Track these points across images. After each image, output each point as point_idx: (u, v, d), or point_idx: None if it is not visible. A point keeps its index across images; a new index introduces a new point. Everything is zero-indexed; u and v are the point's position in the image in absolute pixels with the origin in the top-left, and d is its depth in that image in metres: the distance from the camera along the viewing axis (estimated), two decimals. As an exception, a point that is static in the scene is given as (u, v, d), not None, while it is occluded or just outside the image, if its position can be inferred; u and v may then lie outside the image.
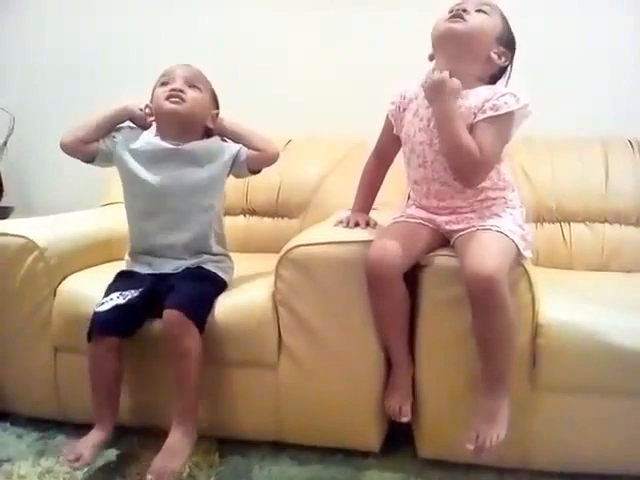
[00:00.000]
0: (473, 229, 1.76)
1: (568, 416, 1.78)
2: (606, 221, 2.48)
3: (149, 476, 1.71)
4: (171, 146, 2.02)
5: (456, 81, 1.74)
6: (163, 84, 2.03)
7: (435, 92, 1.76)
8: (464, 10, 1.80)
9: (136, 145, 2.04)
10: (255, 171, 2.11)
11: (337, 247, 1.85)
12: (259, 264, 2.15)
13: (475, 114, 1.76)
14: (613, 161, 2.52)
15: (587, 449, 1.79)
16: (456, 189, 1.85)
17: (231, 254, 2.17)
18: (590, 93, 2.77)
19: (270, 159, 2.08)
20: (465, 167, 1.76)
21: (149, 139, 2.05)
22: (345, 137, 2.79)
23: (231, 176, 2.12)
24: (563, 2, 2.78)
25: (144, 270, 2.03)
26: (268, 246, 2.51)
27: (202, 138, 2.09)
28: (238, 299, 1.97)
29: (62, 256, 2.10)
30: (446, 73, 1.74)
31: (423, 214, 1.91)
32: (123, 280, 2.00)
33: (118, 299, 1.89)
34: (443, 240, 1.87)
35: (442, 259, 1.78)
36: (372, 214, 2.05)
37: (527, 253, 1.79)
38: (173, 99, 1.98)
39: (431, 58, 1.88)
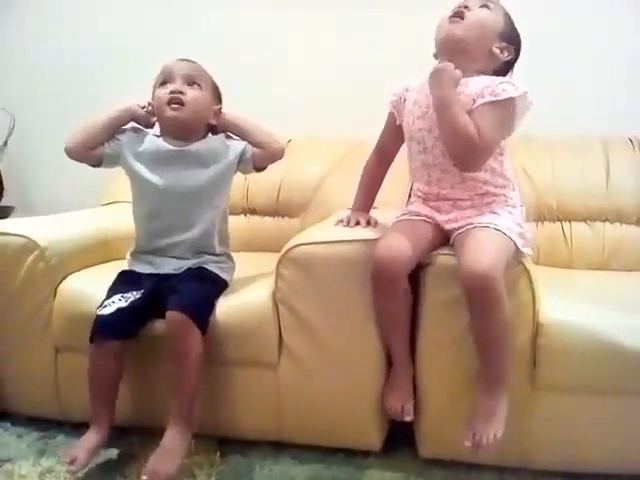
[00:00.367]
0: (471, 227, 1.76)
1: (568, 415, 1.78)
2: (607, 220, 2.48)
3: (144, 476, 1.71)
4: (175, 148, 2.02)
5: (458, 71, 1.76)
6: (163, 83, 2.02)
7: (436, 79, 1.78)
8: (466, 7, 1.82)
9: (141, 147, 2.03)
10: (260, 168, 2.09)
11: (338, 246, 1.85)
12: (260, 263, 2.15)
13: (474, 100, 1.77)
14: (614, 160, 2.53)
15: (587, 448, 1.79)
16: (456, 178, 1.86)
17: (232, 253, 2.17)
18: (590, 93, 2.77)
19: (275, 156, 2.06)
20: (464, 151, 1.76)
21: (153, 141, 2.05)
22: (345, 137, 2.79)
23: (231, 175, 2.12)
24: (563, 2, 2.78)
25: (145, 270, 2.03)
26: (269, 245, 2.51)
27: (206, 135, 2.09)
28: (239, 299, 1.97)
29: (63, 256, 2.10)
30: (450, 63, 1.77)
31: (426, 211, 1.91)
32: (124, 281, 1.99)
33: (120, 302, 1.89)
34: (445, 238, 1.87)
35: (443, 258, 1.79)
36: (372, 213, 2.05)
37: (527, 250, 1.80)
38: (173, 105, 1.98)
39: (436, 57, 1.89)
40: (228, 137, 2.10)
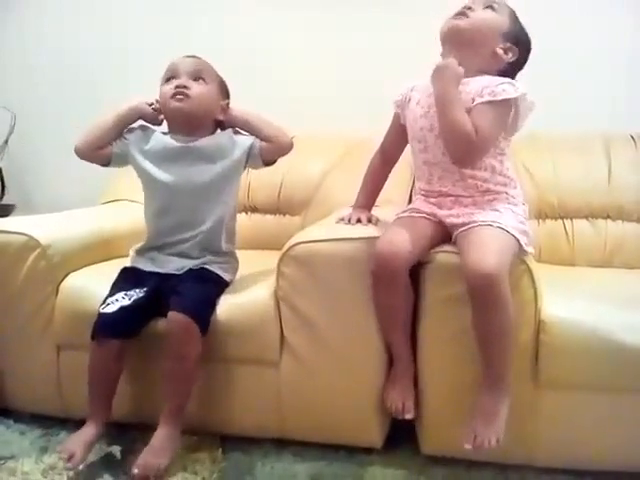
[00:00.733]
0: (474, 224, 1.76)
1: (571, 413, 1.78)
2: (608, 217, 2.48)
3: (135, 470, 1.73)
4: (182, 144, 2.02)
5: (460, 68, 1.78)
6: (168, 80, 2.03)
7: (439, 75, 1.79)
8: (469, 8, 1.84)
9: (148, 145, 2.04)
10: (269, 162, 2.09)
11: (339, 244, 1.85)
12: (261, 261, 2.16)
13: (473, 99, 1.78)
14: (615, 157, 2.53)
15: (590, 446, 1.79)
16: (456, 176, 1.87)
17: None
18: (590, 93, 2.78)
19: (283, 149, 2.05)
20: (460, 148, 1.78)
21: (160, 138, 2.05)
22: (347, 135, 2.79)
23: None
24: (563, 2, 2.79)
25: (147, 267, 2.03)
26: (270, 243, 2.51)
27: (214, 131, 2.09)
28: (240, 297, 1.97)
29: (64, 254, 2.10)
30: (453, 60, 1.79)
31: (427, 207, 1.92)
32: (128, 279, 2.00)
33: (124, 300, 1.89)
34: (446, 235, 1.87)
35: (444, 256, 1.79)
36: (374, 211, 2.06)
37: (529, 249, 1.80)
38: (178, 97, 1.98)
39: (444, 56, 1.90)
40: (236, 132, 2.09)
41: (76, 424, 1.99)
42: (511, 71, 1.90)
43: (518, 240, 1.74)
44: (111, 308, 1.87)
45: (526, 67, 1.94)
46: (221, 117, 2.08)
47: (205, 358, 1.88)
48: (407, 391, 1.87)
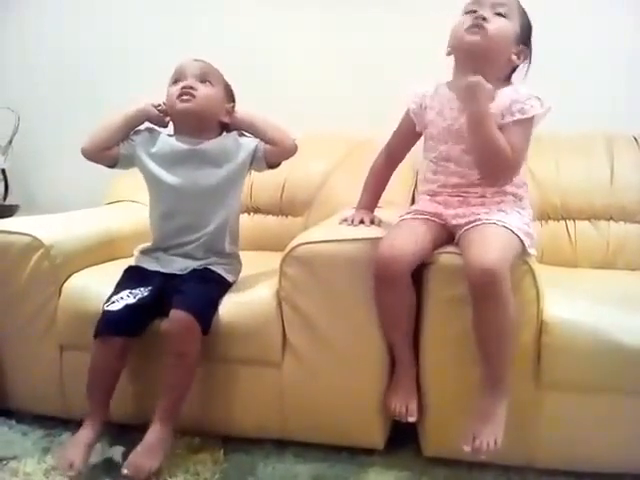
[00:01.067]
0: (479, 222, 1.76)
1: (573, 414, 1.79)
2: (611, 218, 2.48)
3: (125, 470, 1.72)
4: (189, 147, 2.03)
5: (489, 85, 1.76)
6: (175, 82, 2.03)
7: (470, 94, 1.77)
8: (483, 18, 1.80)
9: (155, 148, 2.05)
10: (273, 165, 2.09)
11: (341, 245, 1.86)
12: (263, 262, 2.16)
13: (503, 115, 1.79)
14: (618, 158, 2.53)
15: (592, 447, 1.80)
16: (471, 179, 1.87)
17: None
18: (590, 93, 2.77)
19: (288, 152, 2.06)
20: (497, 168, 1.79)
21: (167, 141, 2.06)
22: (349, 135, 2.79)
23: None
24: (563, 2, 2.78)
25: (152, 266, 2.03)
26: (272, 244, 2.51)
27: (220, 134, 2.09)
28: (243, 297, 1.97)
29: (67, 254, 2.10)
30: (480, 77, 1.75)
31: (431, 208, 1.91)
32: (133, 277, 2.00)
33: (129, 298, 1.90)
34: (449, 237, 1.87)
35: (447, 257, 1.79)
36: (376, 212, 2.06)
37: (532, 251, 1.80)
38: (184, 97, 1.99)
39: (449, 53, 1.90)
40: (241, 135, 2.10)
41: (78, 425, 1.98)
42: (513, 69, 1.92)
43: (522, 241, 1.73)
44: (116, 306, 1.88)
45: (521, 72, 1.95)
46: (226, 120, 2.08)
47: (207, 358, 1.89)
48: (410, 394, 1.87)
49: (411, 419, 1.87)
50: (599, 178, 2.50)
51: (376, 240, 1.81)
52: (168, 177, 2.02)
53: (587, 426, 1.79)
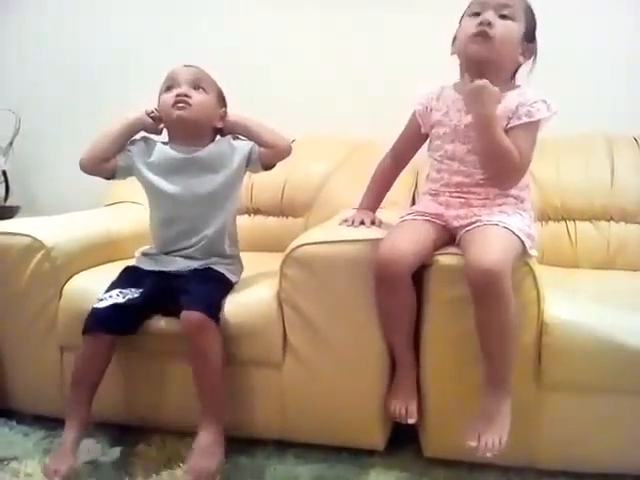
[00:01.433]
0: (480, 223, 1.77)
1: (574, 415, 1.79)
2: (611, 219, 2.48)
3: (188, 477, 1.72)
4: (184, 155, 2.03)
5: (496, 89, 1.75)
6: (168, 89, 2.03)
7: (476, 97, 1.76)
8: (488, 23, 1.78)
9: (151, 158, 2.05)
10: (268, 167, 2.09)
11: (342, 246, 1.86)
12: (264, 263, 2.15)
13: (509, 118, 1.79)
14: (618, 159, 2.53)
15: (592, 448, 1.80)
16: (475, 179, 1.86)
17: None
18: (590, 93, 2.77)
19: (282, 153, 2.06)
20: (504, 170, 1.79)
21: (162, 150, 2.06)
22: (349, 136, 2.79)
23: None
24: (563, 2, 2.78)
25: (151, 267, 2.04)
26: (273, 245, 2.50)
27: (214, 139, 2.10)
28: (243, 298, 1.97)
29: (68, 255, 2.11)
30: (486, 81, 1.74)
31: (433, 208, 1.91)
32: (126, 278, 2.00)
33: (117, 297, 1.90)
34: (450, 238, 1.87)
35: (448, 258, 1.78)
36: (378, 213, 2.06)
37: (533, 252, 1.80)
38: (179, 105, 1.99)
39: (453, 53, 1.90)
40: (235, 138, 2.10)
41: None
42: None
43: (523, 242, 1.73)
44: (103, 304, 1.88)
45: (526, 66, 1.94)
46: (220, 125, 2.09)
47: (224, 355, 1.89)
48: (410, 395, 1.87)
49: (411, 421, 1.87)
50: (599, 179, 2.50)
51: (376, 241, 1.81)
52: (166, 186, 2.02)
53: (588, 427, 1.79)
